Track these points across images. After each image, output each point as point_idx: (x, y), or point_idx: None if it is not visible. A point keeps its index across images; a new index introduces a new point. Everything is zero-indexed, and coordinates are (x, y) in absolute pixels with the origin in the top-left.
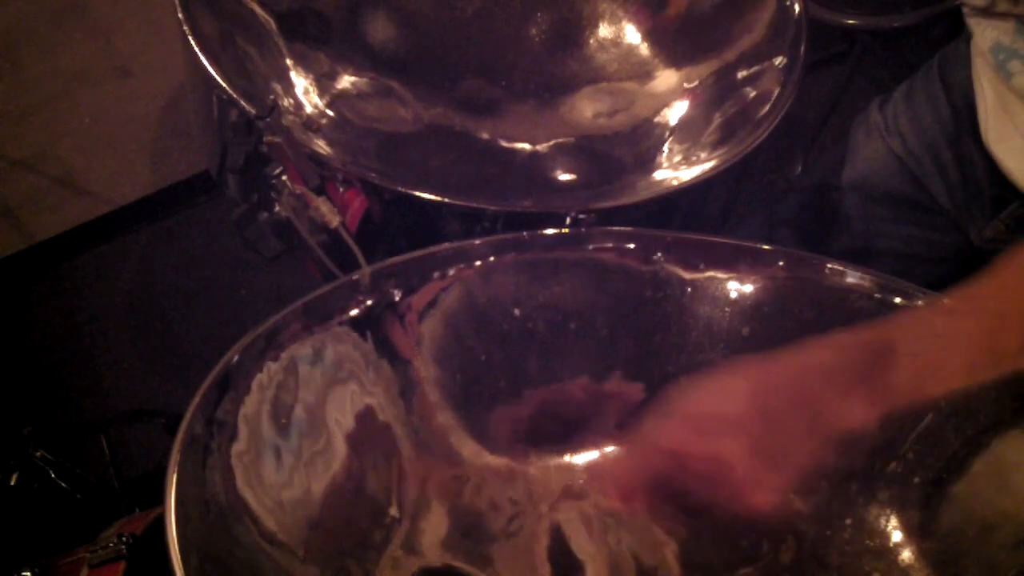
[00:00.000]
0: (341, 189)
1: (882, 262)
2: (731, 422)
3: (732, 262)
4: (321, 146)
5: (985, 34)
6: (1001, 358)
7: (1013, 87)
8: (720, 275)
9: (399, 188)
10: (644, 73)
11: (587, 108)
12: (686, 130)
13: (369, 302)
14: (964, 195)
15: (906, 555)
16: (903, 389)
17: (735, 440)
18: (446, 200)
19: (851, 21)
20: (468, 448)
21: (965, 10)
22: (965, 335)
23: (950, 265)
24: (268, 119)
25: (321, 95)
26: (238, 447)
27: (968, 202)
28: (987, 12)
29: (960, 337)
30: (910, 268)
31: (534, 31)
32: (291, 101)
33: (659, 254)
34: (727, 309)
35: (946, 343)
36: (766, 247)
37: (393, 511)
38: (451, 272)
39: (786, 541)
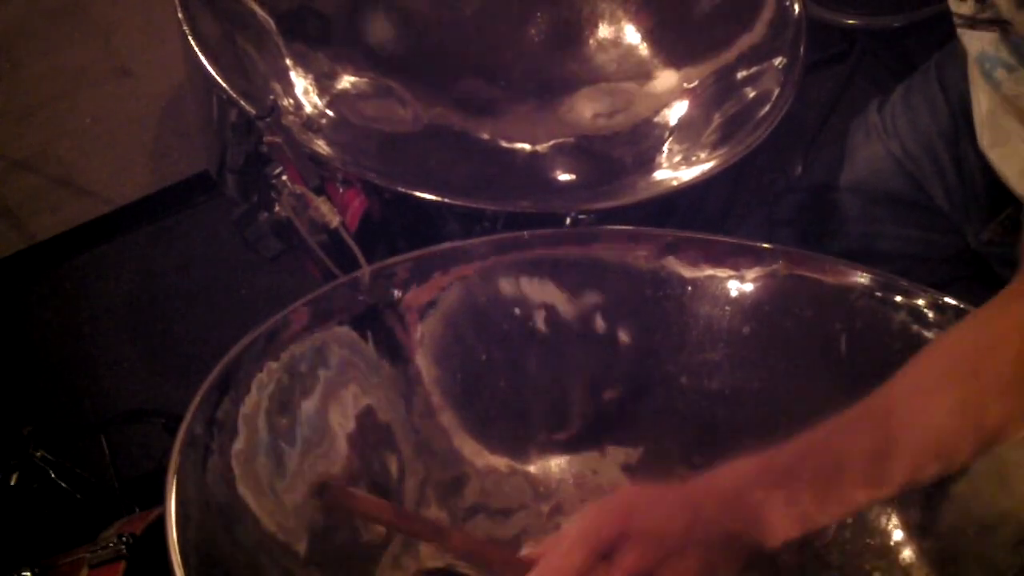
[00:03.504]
0: (341, 189)
1: (881, 262)
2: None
3: (732, 261)
4: (321, 146)
5: (972, 44)
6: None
7: (1002, 95)
8: (720, 274)
9: (399, 188)
10: (644, 73)
11: (587, 108)
12: (686, 130)
13: (369, 302)
14: (962, 197)
15: (907, 554)
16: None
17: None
18: (446, 200)
19: (851, 21)
20: (468, 448)
21: (956, 20)
22: (850, 467)
23: (949, 265)
24: (268, 119)
25: (321, 95)
26: (238, 447)
27: (966, 204)
28: (973, 21)
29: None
30: (909, 268)
31: (534, 31)
32: (291, 101)
33: (659, 253)
34: (727, 308)
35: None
36: (766, 246)
37: None
38: (451, 272)
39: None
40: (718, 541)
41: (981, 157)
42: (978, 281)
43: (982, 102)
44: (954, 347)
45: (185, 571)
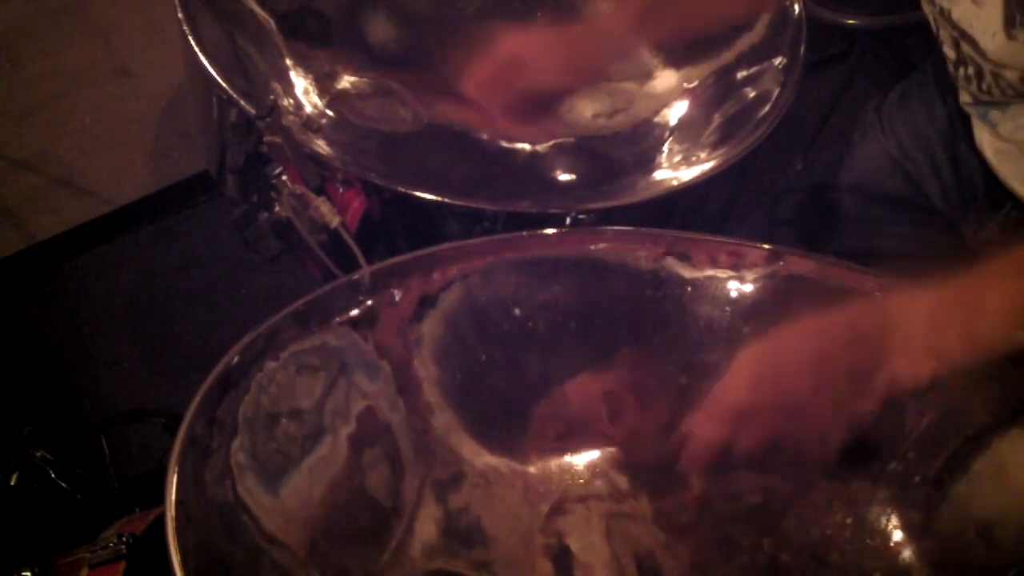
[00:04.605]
0: (341, 189)
1: (881, 262)
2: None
3: (732, 261)
4: (321, 146)
5: (963, 94)
6: (979, 345)
7: (1000, 135)
8: (720, 274)
9: (399, 188)
10: (644, 73)
11: (587, 108)
12: (686, 130)
13: (369, 302)
14: (959, 197)
15: (906, 554)
16: (902, 369)
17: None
18: (446, 200)
19: (851, 21)
20: (468, 448)
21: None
22: (949, 320)
23: (948, 264)
24: (268, 119)
25: (321, 95)
26: (238, 447)
27: (963, 204)
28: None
29: (945, 321)
30: (908, 267)
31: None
32: (291, 101)
33: (659, 253)
34: (727, 308)
35: (934, 327)
36: (766, 246)
37: (393, 511)
38: (451, 272)
39: (787, 540)
40: (845, 384)
41: (979, 157)
42: None
43: (994, 155)
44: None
45: (185, 571)
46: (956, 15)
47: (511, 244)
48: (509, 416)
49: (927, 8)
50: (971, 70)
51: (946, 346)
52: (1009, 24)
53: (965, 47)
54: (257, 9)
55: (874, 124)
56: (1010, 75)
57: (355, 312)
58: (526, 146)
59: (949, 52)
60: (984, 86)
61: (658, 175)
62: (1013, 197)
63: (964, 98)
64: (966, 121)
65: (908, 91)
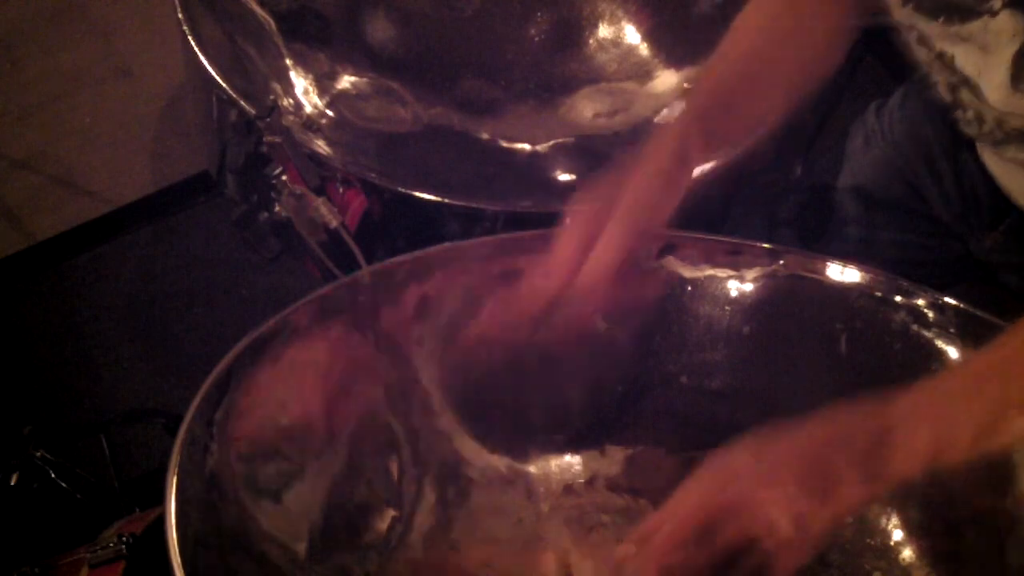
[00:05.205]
0: (341, 189)
1: (881, 265)
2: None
3: (732, 261)
4: (321, 146)
5: (963, 128)
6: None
7: (1003, 156)
8: (720, 274)
9: (399, 188)
10: (644, 73)
11: (587, 108)
12: None
13: (369, 302)
14: (962, 206)
15: (907, 553)
16: (899, 469)
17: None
18: (446, 200)
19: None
20: (468, 447)
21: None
22: (962, 419)
23: (951, 269)
24: (268, 119)
25: (321, 95)
26: (238, 447)
27: (966, 212)
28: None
29: (957, 419)
30: (909, 272)
31: (534, 31)
32: (291, 101)
33: (659, 253)
34: (727, 308)
35: (943, 424)
36: (766, 246)
37: (393, 511)
38: (451, 272)
39: None
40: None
41: (981, 166)
42: (980, 284)
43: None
44: (967, 367)
45: (185, 571)
46: (959, 62)
47: (511, 244)
48: (509, 416)
49: (919, 53)
50: (971, 114)
51: (964, 439)
52: (1016, 78)
53: (965, 94)
54: (257, 9)
55: (875, 130)
56: (1016, 122)
57: (355, 312)
58: (526, 146)
59: (945, 95)
60: (986, 129)
61: None
62: (1016, 208)
63: (965, 133)
64: None
65: (908, 97)
